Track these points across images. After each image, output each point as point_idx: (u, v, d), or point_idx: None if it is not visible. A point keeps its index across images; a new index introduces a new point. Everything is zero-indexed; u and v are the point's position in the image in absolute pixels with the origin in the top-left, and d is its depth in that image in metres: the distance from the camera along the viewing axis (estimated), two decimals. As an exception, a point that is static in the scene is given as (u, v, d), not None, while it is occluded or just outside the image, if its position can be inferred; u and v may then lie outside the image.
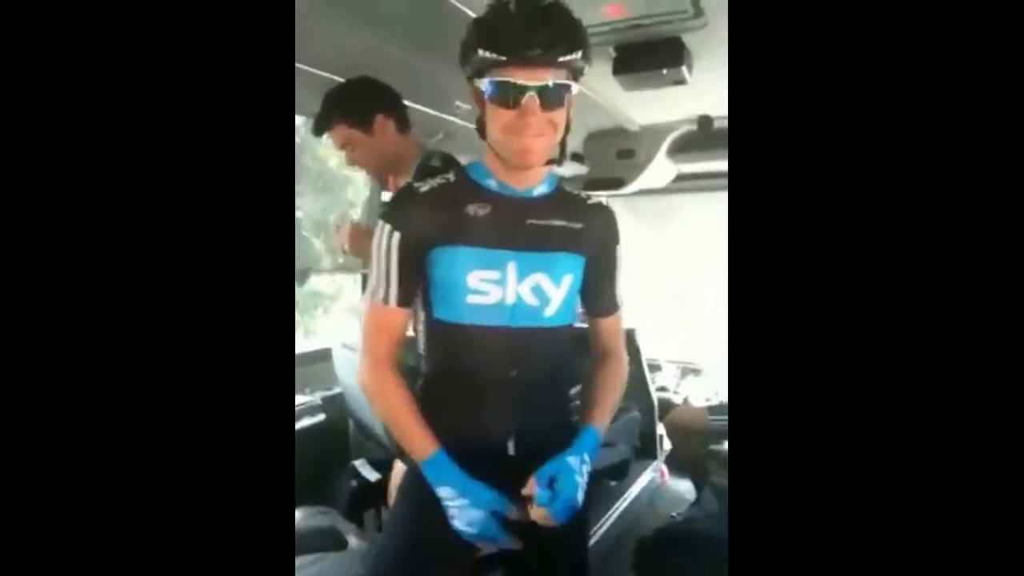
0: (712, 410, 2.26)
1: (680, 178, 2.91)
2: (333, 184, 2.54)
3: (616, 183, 2.69)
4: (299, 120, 2.34)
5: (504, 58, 0.79)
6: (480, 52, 0.81)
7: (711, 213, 3.24)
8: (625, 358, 1.01)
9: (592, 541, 2.04)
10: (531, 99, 0.81)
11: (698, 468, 2.18)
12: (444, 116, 1.77)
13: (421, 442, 0.89)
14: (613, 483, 2.42)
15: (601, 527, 2.14)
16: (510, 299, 0.88)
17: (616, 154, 2.60)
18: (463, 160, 1.22)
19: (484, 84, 0.82)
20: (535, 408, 0.92)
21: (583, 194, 0.98)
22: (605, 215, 0.97)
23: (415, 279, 0.91)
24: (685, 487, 2.51)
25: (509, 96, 0.81)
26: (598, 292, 0.98)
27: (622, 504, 2.32)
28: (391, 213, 0.91)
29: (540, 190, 0.92)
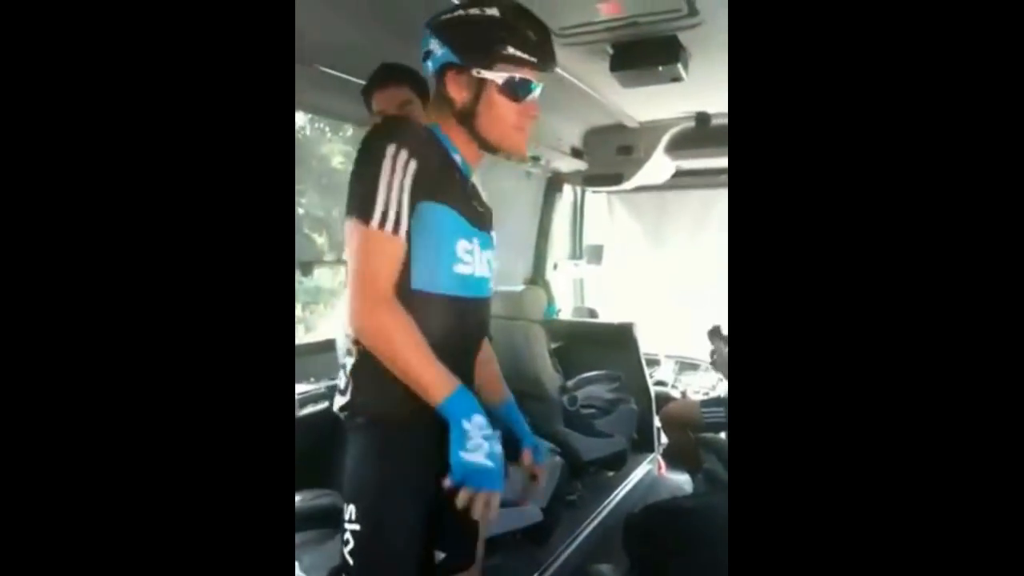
0: (705, 403, 2.29)
1: (678, 174, 2.94)
2: (335, 182, 2.59)
3: (615, 179, 2.73)
4: (301, 120, 2.36)
5: (535, 60, 0.86)
6: (511, 50, 0.85)
7: (709, 209, 3.28)
8: None
9: (589, 529, 2.09)
10: (535, 96, 0.88)
11: (691, 458, 2.21)
12: None
13: (443, 378, 0.81)
14: (611, 473, 2.46)
15: (598, 515, 2.17)
16: (479, 272, 0.91)
17: (616, 150, 2.63)
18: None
19: (501, 77, 0.86)
20: None
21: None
22: (488, 206, 1.01)
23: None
24: (684, 480, 2.54)
25: (520, 92, 0.87)
26: None
27: (619, 494, 2.36)
28: (404, 138, 0.82)
29: (475, 175, 0.96)
